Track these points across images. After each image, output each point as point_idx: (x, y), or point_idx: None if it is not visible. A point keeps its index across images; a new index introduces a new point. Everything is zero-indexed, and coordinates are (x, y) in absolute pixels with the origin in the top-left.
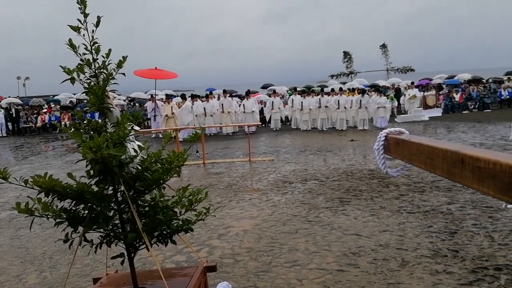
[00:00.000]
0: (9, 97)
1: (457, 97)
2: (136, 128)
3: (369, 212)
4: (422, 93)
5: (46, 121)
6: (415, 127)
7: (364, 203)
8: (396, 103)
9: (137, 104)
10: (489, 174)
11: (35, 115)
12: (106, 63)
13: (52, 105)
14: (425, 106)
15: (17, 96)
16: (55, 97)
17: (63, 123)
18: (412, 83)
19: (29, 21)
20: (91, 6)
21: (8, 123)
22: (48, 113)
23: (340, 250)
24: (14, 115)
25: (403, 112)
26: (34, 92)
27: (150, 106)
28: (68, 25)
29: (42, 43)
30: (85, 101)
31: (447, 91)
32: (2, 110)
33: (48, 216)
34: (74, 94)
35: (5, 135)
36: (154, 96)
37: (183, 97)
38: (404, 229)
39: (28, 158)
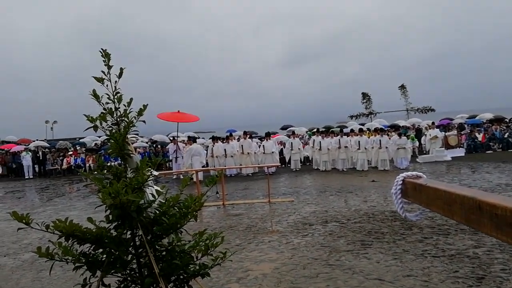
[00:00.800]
0: (37, 140)
1: (479, 136)
2: (155, 173)
3: (392, 256)
4: (443, 133)
5: (72, 163)
6: (438, 168)
7: (386, 246)
8: (417, 143)
9: (159, 146)
10: (507, 222)
11: (61, 157)
12: (127, 112)
13: (78, 148)
14: (447, 146)
15: (45, 139)
16: (81, 140)
17: (88, 165)
18: (433, 123)
19: (59, 67)
20: (116, 53)
21: (35, 166)
22: (73, 156)
23: None
24: (41, 158)
25: (424, 152)
26: (61, 134)
27: (172, 148)
28: (93, 77)
29: (69, 87)
30: (108, 143)
31: (469, 131)
32: (30, 153)
33: (68, 261)
34: (99, 137)
35: (32, 177)
36: (176, 138)
37: (193, 139)
38: (429, 274)
39: (52, 199)
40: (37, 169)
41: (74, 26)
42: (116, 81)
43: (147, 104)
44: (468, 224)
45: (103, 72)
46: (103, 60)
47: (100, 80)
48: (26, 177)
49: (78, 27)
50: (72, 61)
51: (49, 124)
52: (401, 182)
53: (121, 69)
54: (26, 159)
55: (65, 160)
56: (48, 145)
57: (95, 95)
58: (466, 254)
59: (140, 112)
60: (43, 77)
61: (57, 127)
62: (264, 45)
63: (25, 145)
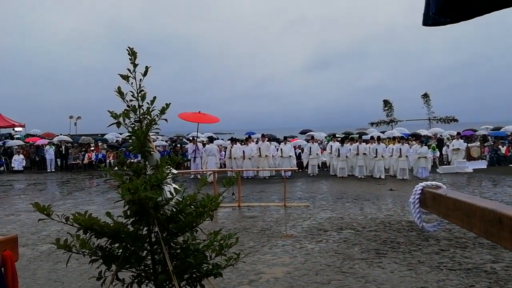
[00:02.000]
0: (60, 134)
1: (503, 149)
2: (174, 171)
3: (407, 266)
4: (466, 144)
5: (93, 159)
6: (458, 179)
7: (401, 256)
8: (438, 154)
9: (178, 145)
10: None
11: (82, 152)
12: (150, 110)
13: (100, 144)
14: (469, 157)
15: (68, 134)
16: (103, 136)
17: (108, 161)
18: (458, 134)
19: (83, 65)
20: (140, 53)
21: (58, 159)
22: (95, 151)
23: None
24: (63, 152)
25: (445, 162)
26: (84, 130)
27: (191, 148)
28: (119, 74)
29: (94, 85)
30: (130, 140)
31: (492, 143)
32: (53, 147)
33: (85, 253)
34: (121, 134)
35: (54, 170)
36: (195, 138)
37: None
38: (443, 287)
39: (72, 193)
40: (59, 163)
41: (100, 27)
42: (141, 79)
43: (170, 103)
44: (487, 237)
45: (128, 70)
46: (129, 58)
47: (125, 77)
48: (48, 170)
49: (104, 28)
50: (98, 60)
51: (73, 119)
52: (420, 191)
53: (146, 68)
54: (49, 153)
55: (86, 155)
56: (71, 140)
57: (120, 92)
58: (484, 268)
59: (162, 111)
60: (70, 75)
61: (81, 123)
62: (288, 49)
63: (49, 139)
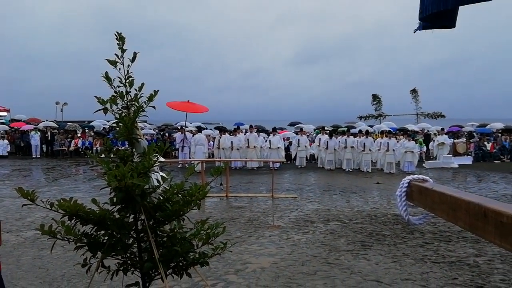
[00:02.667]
0: (46, 120)
1: (488, 146)
2: (161, 159)
3: (392, 259)
4: (451, 140)
5: (79, 146)
6: (443, 174)
7: (386, 249)
8: (425, 149)
9: (166, 135)
10: None
11: (69, 139)
12: (138, 96)
13: (86, 131)
14: (455, 153)
15: (54, 120)
16: (90, 123)
17: (94, 148)
18: (442, 129)
19: (70, 50)
20: (130, 40)
21: (43, 145)
22: (81, 138)
23: None
24: (49, 138)
25: (432, 157)
26: (70, 117)
27: (179, 137)
28: (106, 59)
29: (81, 71)
30: (117, 128)
31: (478, 139)
32: (39, 133)
33: (70, 240)
34: (108, 121)
35: (39, 156)
36: (183, 127)
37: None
38: (427, 279)
39: (58, 180)
40: (44, 149)
41: (89, 13)
42: (129, 65)
43: (158, 90)
44: (472, 231)
45: (116, 55)
46: (117, 43)
47: (113, 63)
48: (33, 156)
49: (93, 14)
50: (86, 46)
51: (59, 105)
52: (406, 184)
53: (135, 54)
54: (35, 139)
55: (73, 142)
56: (57, 126)
57: (107, 78)
58: (467, 262)
59: (150, 98)
60: (57, 60)
61: (67, 109)
62: (278, 42)
63: (34, 125)
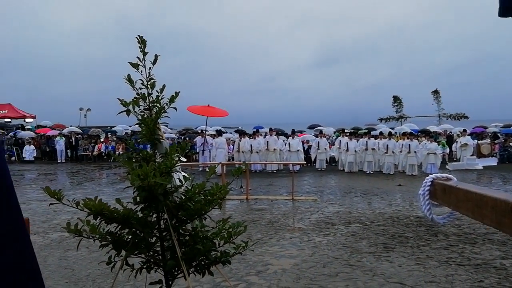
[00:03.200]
0: (70, 126)
1: None
2: (183, 159)
3: (415, 261)
4: (475, 141)
5: (102, 150)
6: (468, 176)
7: (409, 251)
8: (447, 150)
9: (187, 139)
10: None
11: (92, 144)
12: (160, 98)
13: (109, 136)
14: (479, 154)
15: (78, 126)
16: (112, 128)
17: (117, 152)
18: (465, 130)
19: (94, 58)
20: (150, 48)
21: (68, 150)
22: (104, 143)
23: None
24: (73, 143)
25: (455, 159)
26: (93, 122)
27: (199, 141)
28: (128, 62)
29: (103, 78)
30: (139, 133)
31: (503, 140)
32: (63, 138)
33: (95, 238)
34: (130, 126)
35: (64, 161)
36: (204, 131)
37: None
38: (452, 282)
39: (82, 183)
40: (69, 153)
41: (109, 22)
42: (150, 68)
43: (179, 92)
44: (499, 228)
45: (138, 58)
46: (139, 47)
47: (135, 65)
48: (58, 161)
49: (112, 23)
50: (106, 54)
51: (83, 111)
52: (429, 183)
53: (156, 56)
54: (60, 144)
55: (96, 147)
56: (81, 131)
57: (130, 80)
58: (493, 264)
59: (172, 99)
60: (81, 68)
61: (91, 115)
62: (297, 46)
63: (59, 130)
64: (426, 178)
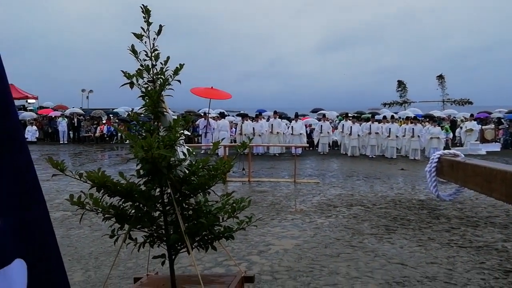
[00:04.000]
0: (73, 107)
1: None
2: (187, 133)
3: (417, 243)
4: (480, 126)
5: (104, 132)
6: None
7: (411, 233)
8: (451, 135)
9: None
10: None
11: (94, 126)
12: (164, 69)
13: (111, 117)
14: (483, 140)
15: (80, 107)
16: (114, 110)
17: (119, 134)
18: (472, 115)
19: (97, 39)
20: (155, 28)
21: (70, 131)
22: (106, 125)
23: (383, 278)
24: (76, 124)
25: (458, 144)
26: (96, 104)
27: (202, 123)
28: (132, 33)
29: (106, 60)
30: (142, 115)
31: (507, 126)
32: (66, 119)
33: (98, 211)
34: (132, 109)
35: (66, 142)
36: (207, 113)
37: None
38: (453, 263)
39: (84, 164)
40: (71, 135)
41: (115, 4)
42: (154, 38)
43: (184, 64)
44: (508, 201)
45: (142, 28)
46: (143, 17)
47: (139, 36)
48: (60, 142)
49: (119, 5)
50: (111, 36)
51: (85, 93)
52: (436, 160)
53: (160, 26)
54: (62, 125)
55: (98, 128)
56: (83, 113)
57: (133, 51)
58: (495, 247)
59: (176, 71)
60: (83, 50)
61: (93, 96)
62: (301, 30)
63: (61, 111)
64: (433, 155)
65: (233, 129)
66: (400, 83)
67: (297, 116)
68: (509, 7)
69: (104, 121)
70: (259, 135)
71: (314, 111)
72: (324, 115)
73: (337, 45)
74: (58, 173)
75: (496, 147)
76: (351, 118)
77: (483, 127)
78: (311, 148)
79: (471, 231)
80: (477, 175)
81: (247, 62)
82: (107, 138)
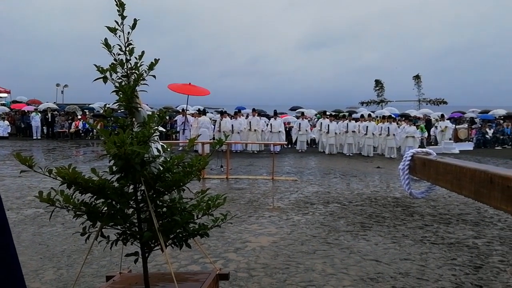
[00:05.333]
0: (47, 102)
1: (490, 132)
2: (161, 129)
3: (391, 239)
4: (453, 125)
5: (80, 128)
6: None
7: (386, 230)
8: (426, 134)
9: (167, 117)
10: None
11: (69, 121)
12: (138, 64)
13: (87, 113)
14: (456, 139)
15: (55, 102)
16: (90, 105)
17: (94, 130)
18: (443, 115)
19: (75, 32)
20: (139, 27)
21: (44, 127)
22: (82, 120)
23: (358, 274)
24: (50, 120)
25: (433, 143)
26: (71, 99)
27: (180, 120)
28: (106, 26)
29: (84, 54)
30: (119, 111)
31: (479, 126)
32: (39, 114)
33: (69, 208)
34: (105, 104)
35: (40, 138)
36: (185, 110)
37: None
38: (426, 259)
39: (58, 161)
40: (45, 130)
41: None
42: (129, 32)
43: (159, 59)
44: (476, 198)
45: (116, 22)
46: (117, 10)
47: (112, 30)
48: (34, 138)
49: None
50: (90, 30)
51: (60, 87)
52: (409, 158)
53: (135, 20)
54: (35, 120)
55: (73, 124)
56: (58, 108)
57: (107, 44)
58: (466, 243)
59: (151, 66)
60: (60, 43)
61: (68, 91)
62: (285, 27)
63: (35, 106)
64: (406, 153)
65: (212, 125)
66: (378, 82)
67: (276, 114)
68: (485, 10)
69: (79, 117)
70: (238, 133)
71: (293, 109)
72: (302, 113)
73: (318, 44)
74: (27, 169)
75: (469, 146)
76: (329, 116)
77: (457, 126)
78: (289, 146)
79: (444, 228)
80: (448, 173)
81: (228, 59)
82: (83, 134)
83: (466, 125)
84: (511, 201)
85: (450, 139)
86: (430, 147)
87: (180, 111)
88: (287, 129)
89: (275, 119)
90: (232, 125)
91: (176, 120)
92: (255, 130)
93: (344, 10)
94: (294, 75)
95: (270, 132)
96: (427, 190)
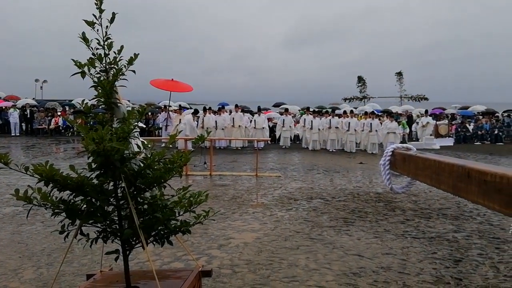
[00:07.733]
0: (26, 98)
1: (470, 128)
2: (141, 125)
3: (373, 234)
4: (434, 121)
5: (60, 124)
6: None
7: (368, 225)
8: (407, 130)
9: (149, 114)
10: (495, 188)
11: (49, 117)
12: (117, 59)
13: (67, 109)
14: (437, 135)
15: (33, 98)
16: (71, 102)
17: (75, 126)
18: (426, 111)
19: (55, 25)
20: (120, 21)
21: (22, 123)
22: (62, 116)
23: (341, 269)
24: (28, 116)
25: (414, 139)
26: (50, 95)
27: (162, 116)
28: (83, 20)
29: (62, 49)
30: (100, 107)
31: (460, 122)
32: (18, 110)
33: (46, 206)
34: (89, 100)
35: (18, 134)
36: (167, 106)
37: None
38: (407, 254)
39: (37, 158)
40: (24, 127)
41: None
42: (107, 26)
43: (138, 54)
44: (454, 193)
45: (94, 15)
46: (95, 3)
47: (90, 23)
48: (12, 134)
49: None
50: (70, 25)
51: (39, 83)
52: (390, 153)
53: (113, 14)
54: (14, 116)
55: (53, 120)
56: (37, 104)
57: (85, 39)
58: (446, 237)
59: (130, 61)
60: (40, 38)
61: (47, 87)
62: (270, 24)
63: (13, 102)
64: (387, 148)
65: (195, 122)
66: (360, 79)
67: (259, 110)
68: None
69: (59, 113)
70: (222, 129)
71: (276, 105)
72: (286, 110)
73: (302, 41)
74: (3, 166)
75: (449, 142)
76: (312, 112)
77: (437, 122)
78: (273, 142)
79: (424, 223)
80: (427, 168)
81: (211, 56)
82: (63, 131)
83: (446, 121)
84: (487, 195)
85: (430, 135)
86: (411, 142)
87: (162, 107)
88: (271, 125)
89: (259, 115)
90: (216, 121)
91: (158, 117)
92: (239, 126)
93: (329, 7)
94: (278, 72)
95: (254, 128)
96: (407, 185)
